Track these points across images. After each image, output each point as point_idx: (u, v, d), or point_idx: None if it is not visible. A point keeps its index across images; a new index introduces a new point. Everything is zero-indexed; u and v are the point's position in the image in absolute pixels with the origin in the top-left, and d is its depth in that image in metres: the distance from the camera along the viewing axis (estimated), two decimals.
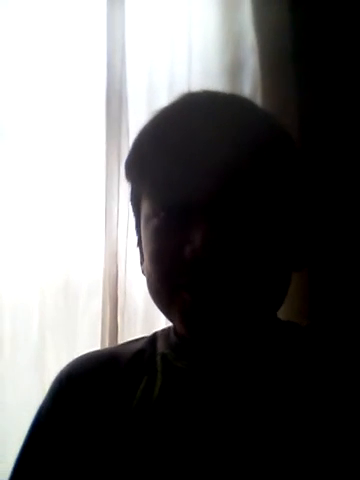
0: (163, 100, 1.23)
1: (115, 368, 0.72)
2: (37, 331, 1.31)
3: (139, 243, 0.71)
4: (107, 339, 1.23)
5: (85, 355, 0.78)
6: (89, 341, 1.28)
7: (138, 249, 0.73)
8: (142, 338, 0.77)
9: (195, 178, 0.60)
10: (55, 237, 1.31)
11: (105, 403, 0.69)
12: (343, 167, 1.18)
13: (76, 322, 1.30)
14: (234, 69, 1.22)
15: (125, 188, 1.22)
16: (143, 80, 1.29)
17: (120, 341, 1.23)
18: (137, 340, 0.77)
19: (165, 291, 0.64)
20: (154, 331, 0.77)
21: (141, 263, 0.72)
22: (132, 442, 0.64)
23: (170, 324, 0.73)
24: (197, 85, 1.21)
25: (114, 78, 1.28)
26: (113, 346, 0.85)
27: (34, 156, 1.33)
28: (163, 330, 0.75)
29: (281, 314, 0.71)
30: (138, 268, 0.74)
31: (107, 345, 1.23)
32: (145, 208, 0.66)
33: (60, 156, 1.32)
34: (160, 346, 0.72)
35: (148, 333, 1.14)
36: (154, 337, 0.75)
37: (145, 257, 0.67)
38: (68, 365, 0.77)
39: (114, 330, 1.23)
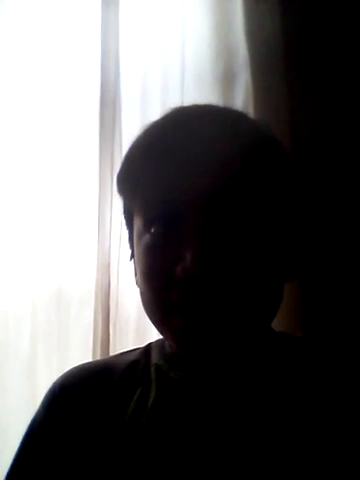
0: (156, 109, 1.24)
1: (109, 379, 0.71)
2: (28, 341, 1.31)
3: (132, 257, 0.71)
4: (99, 349, 1.23)
5: (78, 366, 0.77)
6: (81, 351, 1.28)
7: (132, 262, 0.72)
8: (136, 349, 0.77)
9: (186, 192, 0.60)
10: (47, 247, 1.31)
11: (98, 414, 0.68)
12: (334, 176, 1.19)
13: (68, 332, 1.30)
14: (227, 80, 1.22)
15: (118, 198, 1.22)
16: (136, 89, 1.29)
17: (112, 351, 1.22)
18: (131, 351, 0.77)
19: (157, 309, 0.63)
20: (148, 342, 0.76)
21: (135, 275, 0.72)
22: (126, 454, 0.64)
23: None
24: (190, 95, 1.23)
25: (108, 87, 1.29)
26: (107, 357, 0.85)
27: (26, 165, 1.33)
28: (157, 341, 0.75)
29: (274, 325, 0.71)
30: (131, 279, 0.74)
31: (99, 355, 1.23)
32: (137, 223, 0.66)
33: (53, 165, 1.32)
34: (154, 357, 0.72)
35: (140, 343, 1.13)
36: (148, 348, 0.75)
37: (138, 273, 0.67)
38: (61, 376, 0.76)
39: (106, 340, 1.23)
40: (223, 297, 0.59)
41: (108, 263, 1.24)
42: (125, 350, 0.79)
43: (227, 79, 1.22)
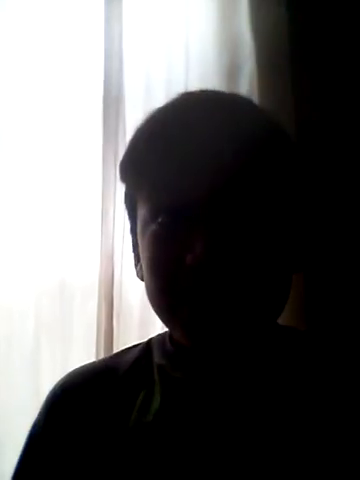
0: (160, 102, 1.23)
1: (110, 381, 0.70)
2: (32, 333, 1.31)
3: (134, 247, 0.70)
4: (102, 341, 1.23)
5: (80, 368, 0.76)
6: (84, 343, 1.28)
7: (133, 253, 0.71)
8: (136, 345, 0.75)
9: (194, 179, 0.58)
10: (51, 240, 1.30)
11: (101, 417, 0.67)
12: (339, 168, 1.18)
13: (71, 325, 1.30)
14: (231, 71, 1.22)
15: (121, 191, 1.21)
16: (140, 83, 1.29)
17: (115, 344, 1.22)
18: (131, 348, 0.75)
19: (165, 300, 0.62)
20: (149, 337, 0.75)
21: (135, 266, 0.71)
22: (131, 457, 0.63)
23: (166, 328, 0.71)
24: (194, 87, 1.21)
25: (111, 80, 1.28)
26: (107, 357, 0.83)
27: (30, 159, 1.33)
28: (158, 337, 0.73)
29: (278, 318, 0.70)
30: (134, 272, 0.72)
31: (102, 348, 1.23)
32: (142, 213, 0.64)
33: (56, 159, 1.32)
34: (156, 355, 0.70)
35: (144, 336, 1.13)
36: (149, 345, 0.73)
37: (144, 264, 0.65)
38: (62, 379, 0.75)
39: (109, 333, 1.23)
40: (232, 286, 0.58)
41: (111, 255, 1.24)
42: (125, 347, 0.77)
43: (232, 71, 1.22)
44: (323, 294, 1.16)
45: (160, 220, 0.61)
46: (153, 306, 0.65)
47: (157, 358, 0.69)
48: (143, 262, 0.65)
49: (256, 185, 0.59)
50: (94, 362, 0.79)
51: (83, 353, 1.27)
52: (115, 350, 1.22)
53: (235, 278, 0.58)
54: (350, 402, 0.61)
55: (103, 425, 0.66)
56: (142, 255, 0.65)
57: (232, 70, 1.23)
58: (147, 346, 0.73)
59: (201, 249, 0.56)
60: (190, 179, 0.59)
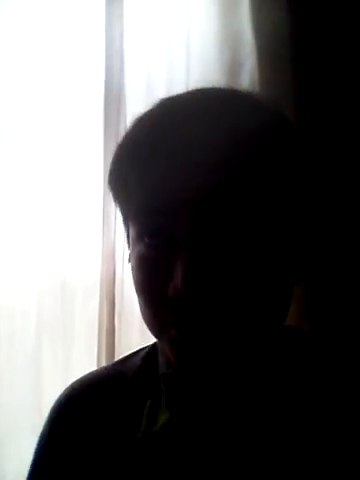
0: (162, 93, 1.23)
1: (116, 389, 0.69)
2: (34, 332, 1.31)
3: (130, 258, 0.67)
4: (104, 340, 1.23)
5: (84, 377, 0.75)
6: (86, 342, 1.28)
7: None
8: (140, 351, 0.73)
9: (174, 198, 0.54)
10: (52, 239, 1.30)
11: (108, 427, 0.66)
12: (339, 169, 1.18)
13: (73, 324, 1.30)
14: (232, 68, 1.22)
15: None
16: (141, 81, 1.28)
17: (117, 343, 1.22)
18: (135, 354, 0.73)
19: (154, 321, 0.60)
20: (154, 341, 0.72)
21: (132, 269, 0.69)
22: (140, 469, 0.62)
23: None
24: (195, 84, 1.20)
25: (112, 79, 1.28)
26: (111, 364, 0.81)
27: (32, 157, 1.33)
28: None
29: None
30: None
31: (104, 347, 1.23)
32: (132, 230, 0.61)
33: (58, 157, 1.32)
34: (161, 362, 0.68)
35: (145, 334, 1.12)
36: (154, 350, 0.71)
37: (133, 282, 0.62)
38: (67, 389, 0.74)
39: (111, 332, 1.23)
40: (218, 313, 0.54)
41: (113, 254, 1.24)
42: (129, 353, 0.76)
43: (233, 68, 1.22)
44: (325, 295, 1.16)
45: (146, 240, 0.58)
46: (145, 322, 0.62)
47: (162, 366, 0.67)
48: (133, 279, 0.62)
49: (248, 197, 0.53)
50: (98, 370, 0.79)
51: (85, 352, 1.28)
52: (117, 349, 1.22)
53: (219, 306, 0.54)
54: (355, 404, 0.61)
55: (110, 435, 0.66)
56: (132, 272, 0.62)
57: (233, 68, 1.23)
58: (152, 352, 0.71)
59: (180, 281, 0.52)
60: (171, 197, 0.54)
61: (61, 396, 0.74)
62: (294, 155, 0.59)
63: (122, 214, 0.65)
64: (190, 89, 0.62)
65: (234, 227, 0.54)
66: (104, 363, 1.21)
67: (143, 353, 0.72)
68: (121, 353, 1.17)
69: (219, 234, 0.54)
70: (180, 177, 0.53)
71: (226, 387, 0.62)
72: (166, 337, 0.58)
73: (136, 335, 1.23)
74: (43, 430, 0.73)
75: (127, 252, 1.17)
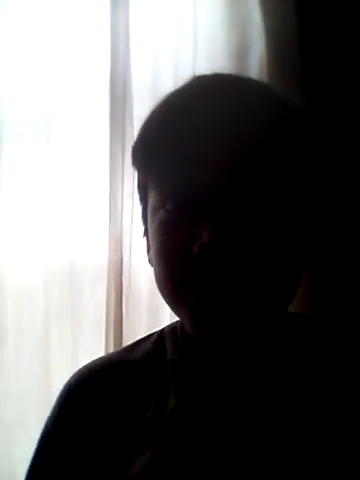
0: (168, 83, 1.23)
1: (125, 375, 0.69)
2: (41, 318, 1.31)
3: (146, 233, 0.69)
4: (112, 325, 1.23)
5: (93, 362, 0.76)
6: (94, 327, 1.28)
7: (145, 239, 0.70)
8: (149, 336, 0.74)
9: (203, 169, 0.58)
10: (59, 224, 1.30)
11: (116, 412, 0.67)
12: (348, 156, 1.17)
13: (80, 309, 1.30)
14: (241, 52, 1.21)
15: (130, 174, 1.21)
16: (148, 63, 1.28)
17: (125, 328, 1.23)
18: (144, 340, 0.74)
19: (173, 288, 0.62)
20: (162, 327, 0.74)
21: (148, 252, 0.70)
22: (149, 454, 0.63)
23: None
24: (203, 68, 1.20)
25: (118, 65, 1.27)
26: (120, 349, 0.82)
27: (40, 143, 1.32)
28: (170, 327, 0.73)
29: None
30: (143, 256, 0.72)
31: (111, 330, 1.23)
32: (152, 198, 0.64)
33: (65, 143, 1.31)
34: (168, 348, 0.70)
35: (153, 319, 1.12)
36: (161, 336, 0.72)
37: (152, 250, 0.65)
38: (76, 373, 0.75)
39: (119, 317, 1.23)
40: (238, 276, 0.58)
41: (120, 239, 1.24)
42: (137, 339, 0.76)
43: (241, 52, 1.21)
44: (332, 282, 1.16)
45: (168, 207, 0.61)
46: (161, 292, 0.65)
47: (169, 352, 0.69)
48: (152, 249, 0.65)
49: (266, 176, 0.58)
50: (107, 355, 0.80)
51: (92, 336, 1.28)
52: (124, 333, 1.23)
53: (241, 267, 0.58)
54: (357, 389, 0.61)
55: (118, 420, 0.66)
56: (151, 241, 0.65)
57: (241, 50, 1.22)
58: (159, 338, 0.72)
59: (207, 238, 0.56)
60: (199, 168, 0.58)
61: (70, 381, 0.74)
62: (307, 140, 0.64)
63: (141, 184, 0.67)
64: (210, 72, 0.67)
65: (255, 199, 0.58)
66: (112, 347, 1.21)
67: (152, 339, 0.73)
68: (129, 337, 1.18)
69: (240, 205, 0.58)
70: (212, 150, 0.58)
71: (236, 365, 0.63)
72: (184, 303, 0.60)
73: (143, 319, 1.23)
74: (51, 414, 0.74)
75: (135, 236, 1.18)
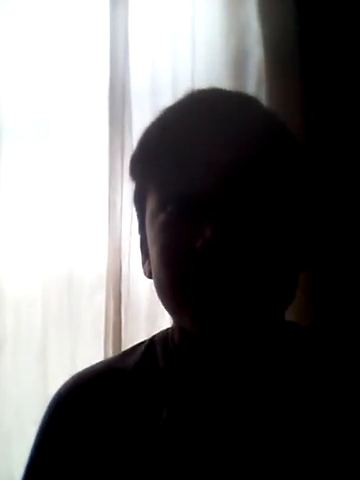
0: (167, 90, 1.23)
1: (116, 383, 0.70)
2: (40, 326, 1.31)
3: (142, 244, 0.70)
4: (111, 334, 1.23)
5: (85, 370, 0.76)
6: (92, 336, 1.28)
7: (141, 250, 0.71)
8: (139, 345, 0.75)
9: (203, 171, 0.60)
10: (58, 232, 1.30)
11: (107, 420, 0.67)
12: (348, 162, 1.17)
13: (79, 317, 1.30)
14: (239, 59, 1.21)
15: (128, 183, 1.21)
16: (146, 67, 1.28)
17: (124, 337, 1.22)
18: (136, 347, 0.75)
19: (175, 289, 0.62)
20: (151, 336, 0.75)
21: (143, 263, 0.71)
22: (142, 464, 0.63)
23: (172, 322, 0.71)
24: (201, 76, 1.21)
25: (117, 69, 1.27)
26: (112, 357, 0.83)
27: (38, 151, 1.33)
28: (161, 335, 0.73)
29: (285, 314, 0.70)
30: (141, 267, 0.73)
31: (110, 340, 1.23)
32: (151, 204, 0.65)
33: (64, 151, 1.32)
34: (160, 356, 0.70)
35: (151, 328, 1.12)
36: (152, 343, 0.73)
37: (153, 256, 0.65)
38: (66, 382, 0.75)
39: (118, 325, 1.23)
40: (241, 273, 0.59)
41: (119, 248, 1.23)
42: (129, 347, 0.77)
43: (239, 60, 1.21)
44: (331, 291, 1.15)
45: (169, 209, 0.62)
46: (161, 297, 0.65)
47: (161, 360, 0.69)
48: (152, 253, 0.65)
49: (261, 178, 0.61)
50: (99, 363, 0.78)
51: (91, 345, 1.28)
52: (123, 342, 1.22)
53: (244, 264, 0.59)
54: (351, 397, 0.62)
55: (109, 429, 0.66)
56: (151, 248, 0.66)
57: (239, 58, 1.22)
58: (150, 345, 0.73)
59: (210, 233, 0.58)
60: (199, 171, 0.60)
61: (60, 390, 0.75)
62: (300, 150, 0.69)
63: (139, 194, 0.69)
64: (202, 87, 0.71)
65: (252, 202, 0.60)
66: (111, 356, 1.21)
67: (142, 347, 0.73)
68: (127, 346, 1.15)
69: (240, 204, 0.60)
70: (211, 153, 0.61)
71: (230, 374, 0.63)
72: (186, 303, 0.61)
73: (142, 328, 1.23)
74: (42, 423, 0.74)
75: (134, 245, 1.18)
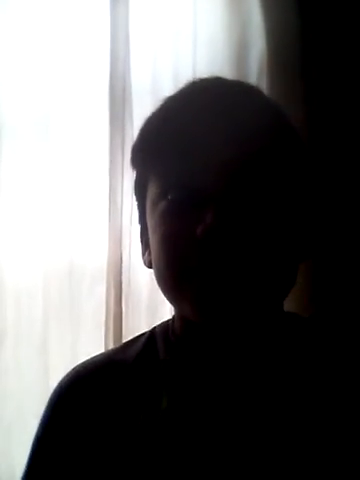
0: (168, 84, 1.23)
1: (117, 375, 0.70)
2: (41, 317, 1.31)
3: (142, 234, 0.71)
4: (111, 325, 1.23)
5: (85, 362, 0.76)
6: (93, 326, 1.28)
7: (141, 240, 0.72)
8: (140, 337, 0.75)
9: (204, 161, 0.60)
10: (59, 223, 1.30)
11: (108, 412, 0.67)
12: (348, 153, 1.17)
13: (80, 308, 1.30)
14: (241, 51, 1.21)
15: (129, 174, 1.21)
16: (147, 64, 1.28)
17: (124, 328, 1.23)
18: (136, 339, 0.75)
19: (174, 276, 0.62)
20: (152, 327, 0.75)
21: (143, 254, 0.71)
22: (142, 455, 0.63)
23: (173, 313, 0.71)
24: (203, 67, 1.21)
25: (118, 64, 1.27)
26: (112, 349, 0.83)
27: (39, 145, 1.32)
28: (162, 327, 0.73)
29: (284, 305, 0.70)
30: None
31: (111, 331, 1.23)
32: (151, 193, 0.65)
33: (64, 143, 1.32)
34: (160, 348, 0.70)
35: (152, 318, 1.12)
36: (153, 335, 0.73)
37: (153, 244, 0.66)
38: (67, 375, 0.75)
39: (118, 316, 1.23)
40: (241, 259, 0.59)
41: (120, 239, 1.24)
42: (130, 339, 0.77)
43: (241, 51, 1.21)
44: (331, 283, 1.16)
45: (170, 197, 0.62)
46: (161, 284, 0.65)
47: (161, 352, 0.69)
48: (152, 242, 0.66)
49: (262, 167, 0.61)
50: (99, 355, 0.78)
51: (92, 336, 1.28)
52: (124, 333, 1.23)
53: (244, 250, 0.59)
54: (351, 389, 0.62)
55: (110, 420, 0.67)
56: (151, 236, 0.66)
57: (241, 52, 1.22)
58: (151, 337, 0.73)
59: (211, 220, 0.58)
60: (200, 159, 0.60)
61: (61, 382, 0.75)
62: (301, 142, 0.68)
63: (139, 183, 0.69)
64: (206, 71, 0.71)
65: (253, 191, 0.61)
66: (111, 347, 1.21)
67: (143, 339, 0.73)
68: (128, 337, 1.16)
69: (241, 193, 0.60)
70: (213, 142, 0.61)
71: (229, 365, 0.63)
72: (187, 290, 0.61)
73: (143, 319, 1.23)
74: (43, 415, 0.74)
75: (134, 236, 1.18)
